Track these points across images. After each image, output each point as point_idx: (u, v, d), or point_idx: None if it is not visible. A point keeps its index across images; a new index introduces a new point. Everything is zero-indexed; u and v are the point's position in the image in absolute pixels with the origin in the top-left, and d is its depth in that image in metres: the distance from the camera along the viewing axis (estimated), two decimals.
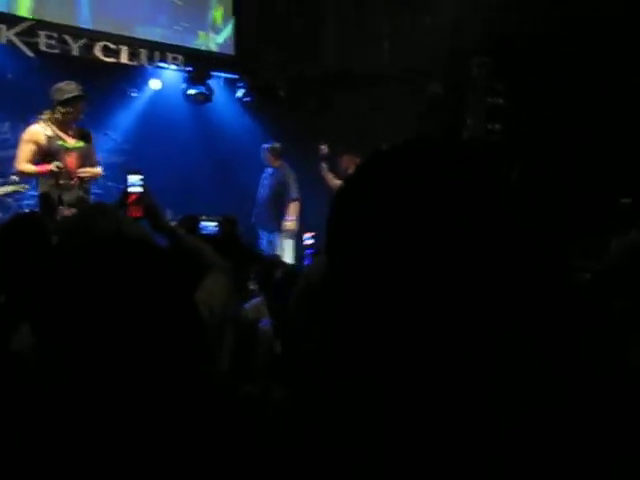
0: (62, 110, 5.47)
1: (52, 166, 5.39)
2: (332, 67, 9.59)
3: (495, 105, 7.86)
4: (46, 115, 5.51)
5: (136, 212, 2.37)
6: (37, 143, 5.44)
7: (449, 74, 8.37)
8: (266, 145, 8.35)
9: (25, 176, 5.66)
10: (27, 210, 7.92)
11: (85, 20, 8.50)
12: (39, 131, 5.46)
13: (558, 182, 6.65)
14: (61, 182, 5.46)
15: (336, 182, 7.95)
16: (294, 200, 8.17)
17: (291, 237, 8.08)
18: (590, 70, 6.96)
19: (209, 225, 4.18)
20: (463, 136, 7.94)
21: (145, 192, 2.47)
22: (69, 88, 5.51)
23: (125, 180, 2.49)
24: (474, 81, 8.14)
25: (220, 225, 4.36)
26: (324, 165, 7.96)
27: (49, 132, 5.47)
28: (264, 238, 8.30)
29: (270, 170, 8.36)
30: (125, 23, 8.85)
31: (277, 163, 8.28)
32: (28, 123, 8.26)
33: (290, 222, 8.12)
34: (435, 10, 8.20)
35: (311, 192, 8.44)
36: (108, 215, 1.61)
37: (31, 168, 5.45)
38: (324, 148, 7.90)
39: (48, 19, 8.10)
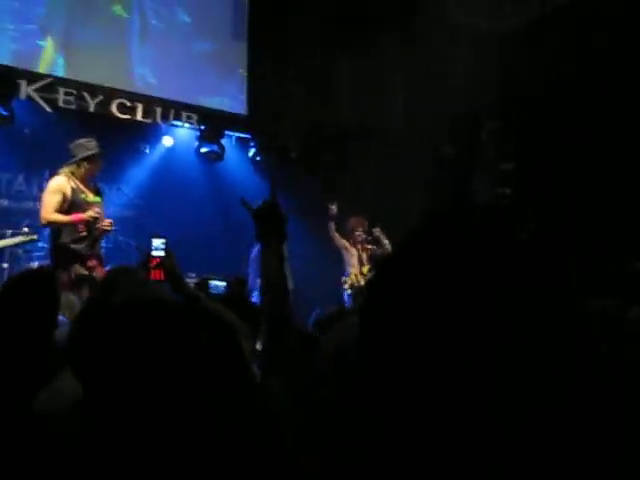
0: (87, 166, 5.59)
1: (92, 213, 5.43)
2: (346, 127, 9.72)
3: (505, 169, 7.92)
4: (69, 169, 5.59)
5: (158, 275, 2.40)
6: (64, 195, 5.49)
7: (461, 135, 8.46)
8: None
9: (55, 225, 5.60)
10: (37, 263, 7.96)
11: (149, 89, 8.82)
12: (64, 184, 5.53)
13: (571, 241, 6.62)
14: (93, 233, 5.51)
15: (342, 242, 7.99)
16: None
17: None
18: (601, 123, 7.04)
19: (219, 285, 4.20)
20: (474, 200, 7.98)
21: (168, 256, 2.51)
22: (91, 145, 5.66)
23: (149, 243, 2.54)
24: (484, 146, 8.23)
25: (229, 285, 4.38)
26: (332, 225, 7.98)
27: (73, 185, 5.55)
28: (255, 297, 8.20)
29: None
30: (191, 93, 9.11)
31: None
32: (43, 177, 8.38)
33: None
34: (447, 73, 8.33)
35: (321, 251, 8.47)
36: (133, 277, 1.64)
37: (63, 218, 5.45)
38: (333, 208, 7.94)
39: (100, 83, 8.37)
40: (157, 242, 2.54)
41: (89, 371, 1.24)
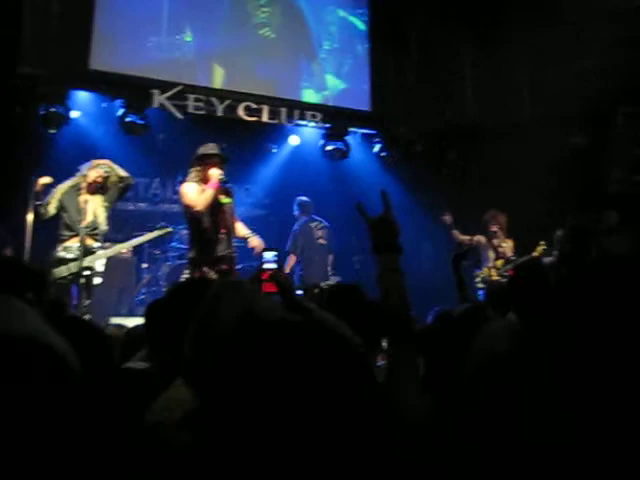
0: (199, 167, 5.64)
1: (217, 175, 5.53)
2: (471, 120, 9.51)
3: None
4: (192, 176, 5.69)
5: (270, 287, 2.43)
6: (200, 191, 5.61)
7: (592, 124, 8.04)
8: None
9: (208, 203, 5.55)
10: (170, 263, 8.32)
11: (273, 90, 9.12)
12: (196, 186, 5.63)
13: None
14: (220, 235, 5.62)
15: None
16: (288, 253, 8.07)
17: None
18: None
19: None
20: (609, 190, 7.59)
21: (279, 268, 2.55)
22: (206, 148, 5.70)
23: (261, 257, 2.60)
24: (620, 131, 7.80)
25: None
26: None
27: (204, 188, 5.61)
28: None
29: None
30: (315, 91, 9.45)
31: (302, 217, 8.31)
32: (175, 180, 8.71)
33: None
34: (577, 58, 7.92)
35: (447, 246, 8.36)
36: (242, 292, 1.67)
37: (206, 192, 5.53)
38: (447, 218, 7.79)
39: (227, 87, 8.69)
40: (269, 255, 2.59)
41: (204, 384, 1.24)
